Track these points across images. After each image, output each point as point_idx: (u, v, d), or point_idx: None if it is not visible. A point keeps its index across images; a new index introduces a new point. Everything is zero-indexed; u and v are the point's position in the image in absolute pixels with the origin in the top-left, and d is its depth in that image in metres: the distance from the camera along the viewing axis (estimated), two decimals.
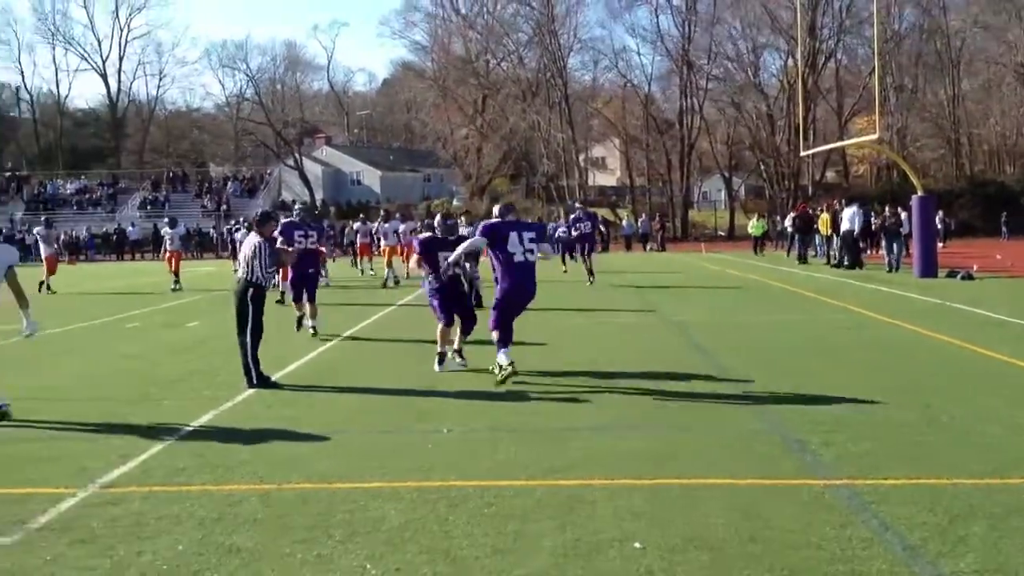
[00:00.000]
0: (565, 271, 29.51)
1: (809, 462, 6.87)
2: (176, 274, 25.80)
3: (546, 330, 14.80)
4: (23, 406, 9.32)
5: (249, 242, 10.66)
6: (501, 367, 10.16)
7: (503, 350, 10.27)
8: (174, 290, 24.87)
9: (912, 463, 6.76)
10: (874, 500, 5.92)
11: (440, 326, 11.15)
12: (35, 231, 29.62)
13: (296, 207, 14.74)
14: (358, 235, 31.69)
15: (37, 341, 12.04)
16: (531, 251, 10.34)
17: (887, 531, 5.37)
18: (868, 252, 34.02)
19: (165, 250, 26.49)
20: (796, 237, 35.45)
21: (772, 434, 7.71)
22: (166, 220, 28.41)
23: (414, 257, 11.35)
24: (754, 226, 43.91)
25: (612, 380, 10.30)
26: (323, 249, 13.24)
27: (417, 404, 9.26)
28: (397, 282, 25.60)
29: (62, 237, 51.97)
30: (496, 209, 10.90)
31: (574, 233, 26.03)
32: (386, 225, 27.19)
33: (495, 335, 10.39)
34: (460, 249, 10.65)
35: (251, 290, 10.31)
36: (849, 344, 13.05)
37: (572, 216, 27.69)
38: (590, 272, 24.67)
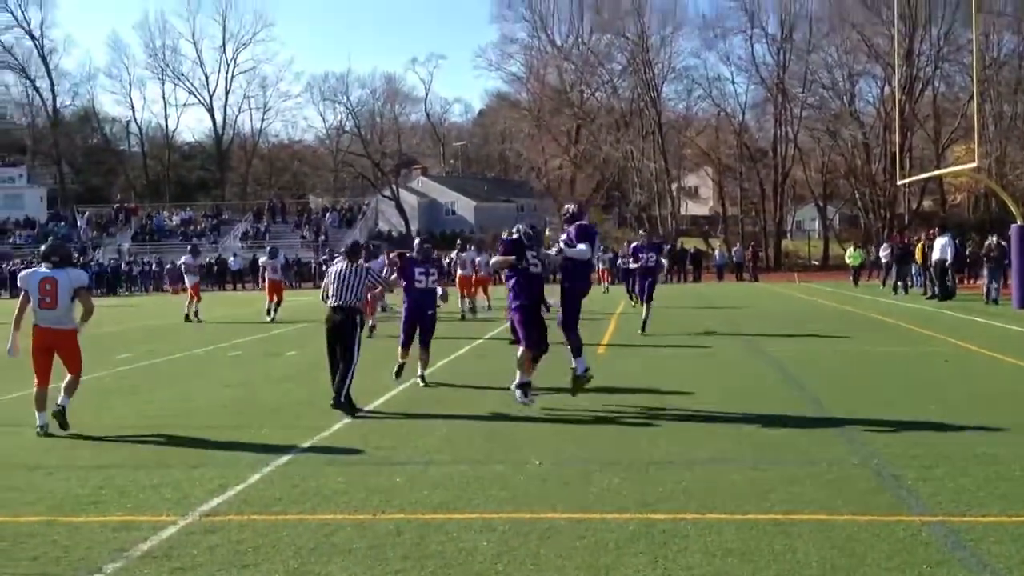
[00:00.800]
0: (634, 305, 29.20)
1: (905, 497, 6.77)
2: (277, 305, 25.94)
3: (638, 363, 14.81)
4: (127, 433, 9.65)
5: (350, 271, 10.87)
6: (586, 371, 10.76)
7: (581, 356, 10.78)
8: (271, 320, 25.27)
9: (1011, 500, 6.63)
10: (972, 538, 5.82)
11: (521, 348, 10.58)
12: (182, 260, 30.47)
13: (417, 240, 14.09)
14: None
15: (143, 370, 14.97)
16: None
17: (985, 569, 5.29)
18: (964, 282, 33.39)
19: (263, 279, 26.74)
20: (892, 267, 35.03)
21: (867, 468, 7.62)
22: (267, 250, 28.87)
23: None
24: (851, 256, 43.29)
25: (705, 413, 10.27)
26: (440, 290, 12.90)
27: (508, 435, 9.32)
28: (474, 312, 25.79)
29: (167, 266, 53.14)
30: (571, 208, 11.39)
31: (634, 265, 21.77)
32: (463, 255, 26.76)
33: (573, 342, 10.82)
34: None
35: (357, 316, 10.70)
36: (945, 377, 12.80)
37: (633, 246, 22.57)
38: (644, 323, 19.54)
